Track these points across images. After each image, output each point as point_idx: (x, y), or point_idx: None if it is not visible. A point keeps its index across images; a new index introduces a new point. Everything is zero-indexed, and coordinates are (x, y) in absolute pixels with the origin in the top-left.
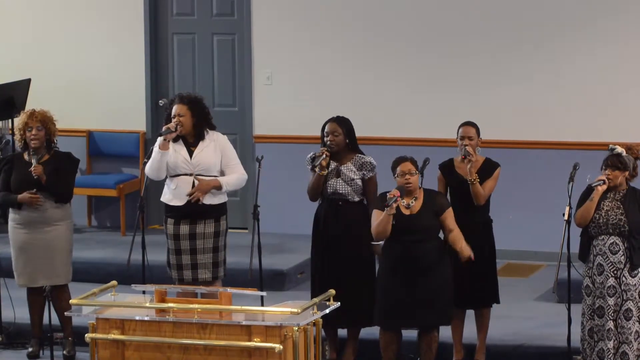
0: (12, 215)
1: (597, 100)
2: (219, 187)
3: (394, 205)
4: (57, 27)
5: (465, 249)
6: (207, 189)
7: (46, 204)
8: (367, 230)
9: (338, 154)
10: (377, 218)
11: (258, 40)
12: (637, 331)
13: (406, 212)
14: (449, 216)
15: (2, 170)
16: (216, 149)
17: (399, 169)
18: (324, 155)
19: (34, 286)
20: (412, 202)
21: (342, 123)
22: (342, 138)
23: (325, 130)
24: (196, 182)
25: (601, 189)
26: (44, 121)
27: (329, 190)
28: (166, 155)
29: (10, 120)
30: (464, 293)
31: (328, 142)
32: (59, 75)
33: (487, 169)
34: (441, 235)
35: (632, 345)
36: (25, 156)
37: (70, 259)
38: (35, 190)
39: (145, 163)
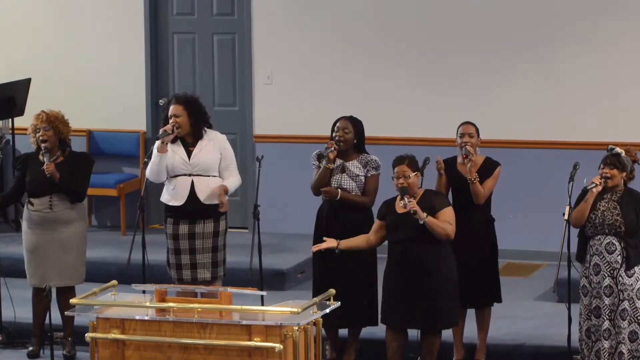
0: (25, 215)
1: (597, 100)
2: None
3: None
4: (58, 26)
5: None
6: (224, 193)
7: (60, 205)
8: (369, 229)
9: (344, 152)
10: (374, 226)
11: (258, 39)
12: (633, 331)
13: (401, 210)
14: (444, 214)
15: (16, 169)
16: (215, 148)
17: (395, 170)
18: (332, 148)
19: (42, 286)
20: (408, 202)
21: (355, 123)
22: (351, 136)
23: (337, 125)
24: (196, 183)
25: (596, 190)
26: (51, 121)
27: (333, 186)
28: (165, 158)
29: (10, 120)
30: (465, 292)
31: (337, 138)
32: (59, 75)
33: (488, 168)
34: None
35: (629, 346)
36: (40, 157)
37: (84, 259)
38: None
39: (145, 163)
